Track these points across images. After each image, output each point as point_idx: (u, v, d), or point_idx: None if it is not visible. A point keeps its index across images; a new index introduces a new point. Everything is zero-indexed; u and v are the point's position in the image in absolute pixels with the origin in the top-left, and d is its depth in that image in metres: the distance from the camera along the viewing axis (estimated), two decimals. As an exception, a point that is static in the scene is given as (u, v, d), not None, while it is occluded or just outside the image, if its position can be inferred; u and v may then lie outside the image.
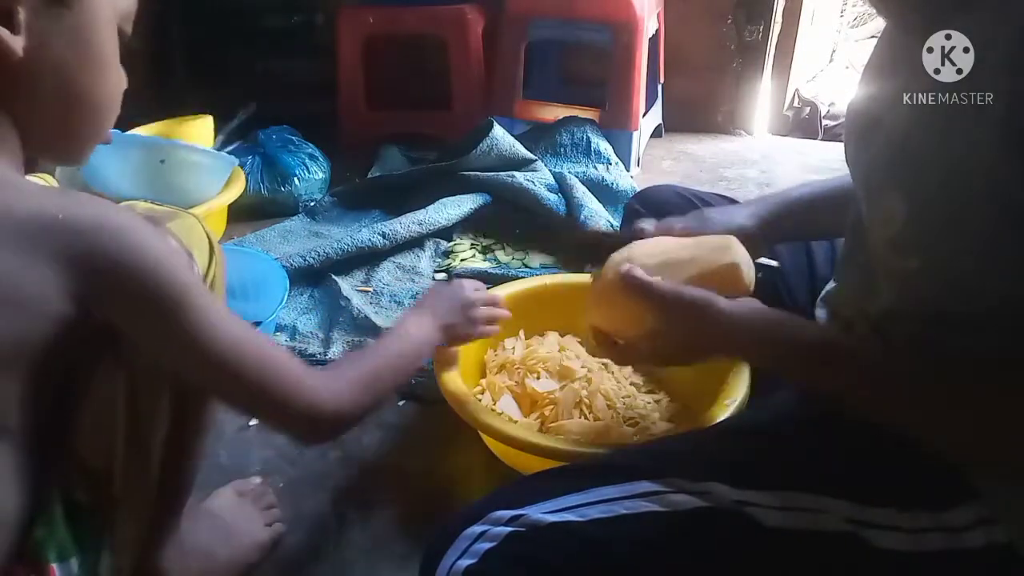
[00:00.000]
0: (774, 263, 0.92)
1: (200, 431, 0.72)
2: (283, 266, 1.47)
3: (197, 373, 0.62)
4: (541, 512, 0.59)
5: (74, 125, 0.60)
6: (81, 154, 0.62)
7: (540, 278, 1.23)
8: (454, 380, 0.96)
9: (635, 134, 2.06)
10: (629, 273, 0.74)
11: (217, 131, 1.84)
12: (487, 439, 1.02)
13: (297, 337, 1.35)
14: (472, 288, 0.95)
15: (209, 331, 0.58)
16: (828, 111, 2.52)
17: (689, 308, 0.70)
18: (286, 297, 1.35)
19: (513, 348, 1.12)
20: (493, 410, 1.00)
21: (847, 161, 0.73)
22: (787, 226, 0.90)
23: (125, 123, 1.39)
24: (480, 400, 0.98)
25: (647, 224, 0.89)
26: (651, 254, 0.80)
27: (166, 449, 0.66)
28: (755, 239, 0.88)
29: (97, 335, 0.57)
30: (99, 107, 0.60)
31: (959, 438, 0.57)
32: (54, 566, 0.56)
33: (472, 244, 1.66)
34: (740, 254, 0.79)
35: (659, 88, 2.34)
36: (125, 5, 0.60)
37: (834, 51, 3.02)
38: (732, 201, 1.04)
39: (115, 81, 0.60)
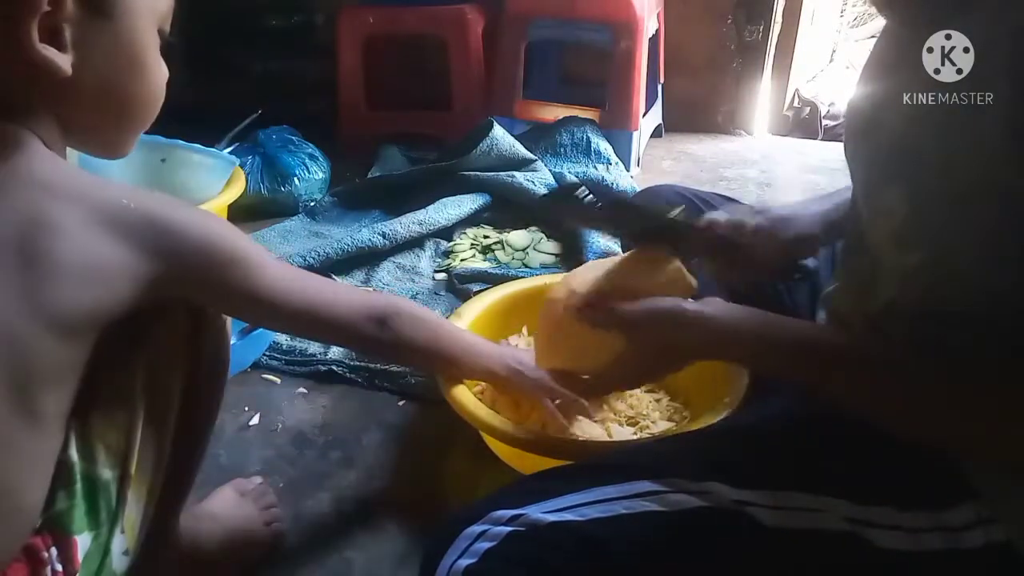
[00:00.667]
0: (813, 264, 0.90)
1: (209, 415, 0.73)
2: (283, 266, 1.47)
3: (270, 321, 0.79)
4: (541, 512, 0.59)
5: (119, 124, 0.63)
6: (125, 147, 0.66)
7: (540, 278, 1.23)
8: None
9: (635, 134, 2.06)
10: (584, 304, 0.73)
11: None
12: (487, 439, 1.02)
13: (297, 336, 1.34)
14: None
15: (273, 284, 0.68)
16: (828, 111, 2.52)
17: (659, 318, 0.70)
18: (286, 297, 1.35)
19: (516, 347, 1.11)
20: (493, 410, 1.00)
21: (847, 159, 0.73)
22: (841, 229, 0.89)
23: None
24: (480, 399, 0.98)
25: (719, 216, 0.87)
26: (589, 281, 0.78)
27: (175, 432, 0.66)
28: (818, 243, 0.87)
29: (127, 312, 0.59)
30: (143, 106, 0.63)
31: (958, 437, 0.57)
32: (77, 538, 0.56)
33: (472, 244, 1.66)
34: (675, 262, 0.77)
35: (659, 88, 2.34)
36: (163, 6, 0.62)
37: (834, 51, 3.02)
38: (732, 201, 1.04)
39: (157, 79, 0.63)
